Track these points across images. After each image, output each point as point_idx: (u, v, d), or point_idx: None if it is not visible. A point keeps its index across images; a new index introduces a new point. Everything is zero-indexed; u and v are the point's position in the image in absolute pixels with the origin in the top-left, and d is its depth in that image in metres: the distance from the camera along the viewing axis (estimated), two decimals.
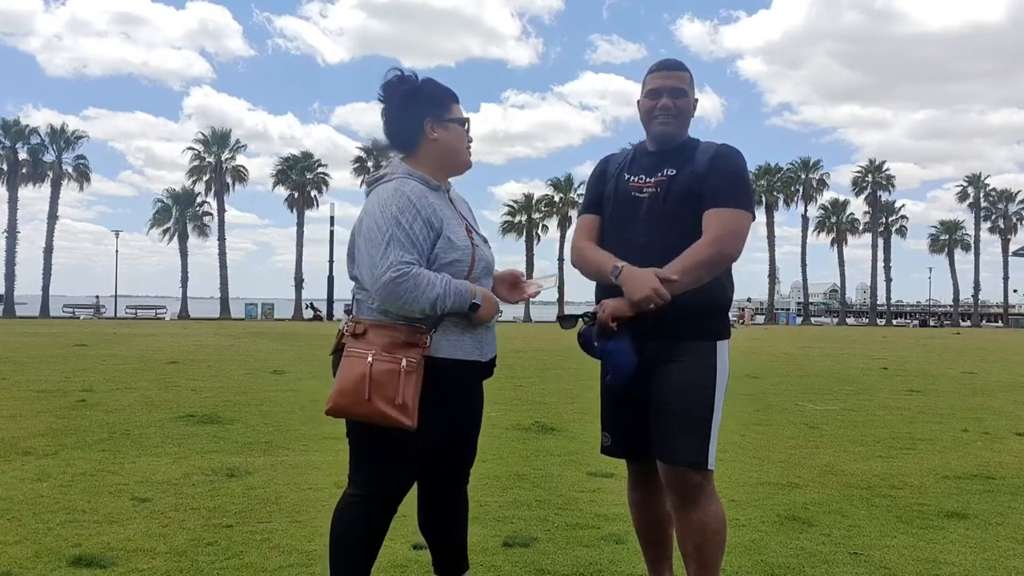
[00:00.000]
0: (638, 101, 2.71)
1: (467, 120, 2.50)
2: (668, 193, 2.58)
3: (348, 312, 2.54)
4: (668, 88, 2.62)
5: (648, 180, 2.64)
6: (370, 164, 58.76)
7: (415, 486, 2.54)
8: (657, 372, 2.52)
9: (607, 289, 2.57)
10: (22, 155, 52.06)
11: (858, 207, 67.72)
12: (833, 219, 66.95)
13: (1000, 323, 71.91)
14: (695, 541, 2.53)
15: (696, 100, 2.71)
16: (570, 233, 3.05)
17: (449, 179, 2.53)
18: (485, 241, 2.54)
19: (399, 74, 2.42)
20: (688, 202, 2.54)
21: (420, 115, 2.40)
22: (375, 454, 2.36)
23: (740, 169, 2.61)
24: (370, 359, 2.23)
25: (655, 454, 2.56)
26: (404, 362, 2.23)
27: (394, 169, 2.42)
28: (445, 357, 2.31)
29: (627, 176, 2.70)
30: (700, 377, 2.52)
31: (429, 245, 2.29)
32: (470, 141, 2.51)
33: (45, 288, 53.12)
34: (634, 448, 2.70)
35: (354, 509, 2.40)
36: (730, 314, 2.83)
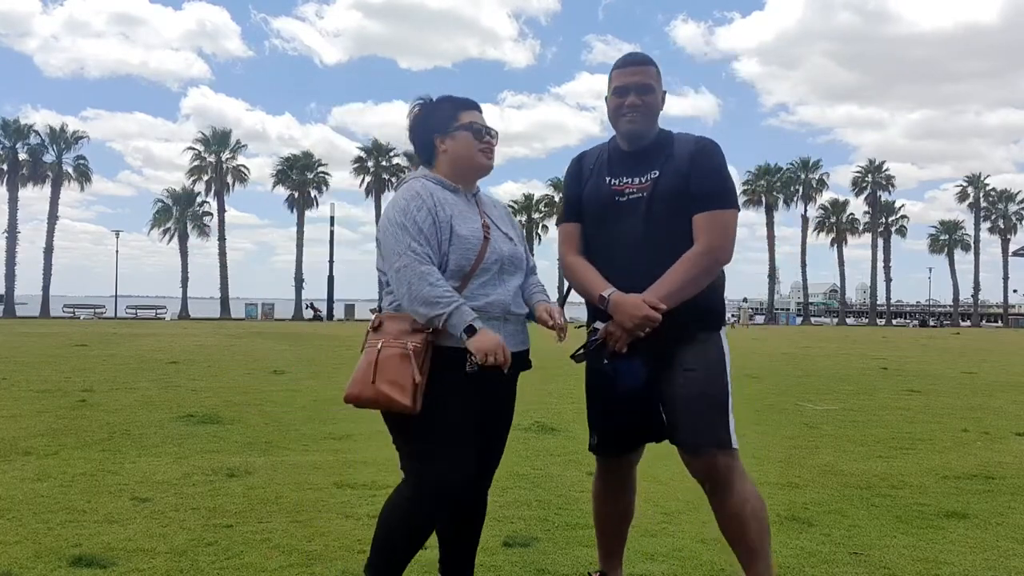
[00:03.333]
0: (605, 98, 2.69)
1: (476, 123, 2.57)
2: (654, 196, 2.56)
3: (373, 311, 2.65)
4: (635, 85, 2.59)
5: (631, 182, 2.61)
6: (370, 164, 58.82)
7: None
8: (673, 362, 2.55)
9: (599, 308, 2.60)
10: (22, 155, 52.07)
11: (858, 207, 67.83)
12: (833, 219, 66.94)
13: (1000, 323, 71.89)
14: (737, 525, 2.52)
15: (664, 93, 2.67)
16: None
17: (476, 183, 2.66)
18: (511, 240, 2.60)
19: (419, 102, 2.64)
20: (675, 202, 2.54)
21: (430, 133, 2.60)
22: (408, 445, 2.46)
23: (722, 165, 2.62)
24: (379, 346, 2.38)
25: (676, 442, 2.58)
26: (410, 345, 2.35)
27: (413, 173, 2.64)
28: (455, 346, 2.36)
29: (608, 179, 2.66)
30: (715, 361, 2.57)
31: (435, 232, 2.41)
32: (486, 142, 2.59)
33: (45, 288, 53.11)
34: (623, 445, 2.74)
35: (405, 505, 2.44)
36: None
